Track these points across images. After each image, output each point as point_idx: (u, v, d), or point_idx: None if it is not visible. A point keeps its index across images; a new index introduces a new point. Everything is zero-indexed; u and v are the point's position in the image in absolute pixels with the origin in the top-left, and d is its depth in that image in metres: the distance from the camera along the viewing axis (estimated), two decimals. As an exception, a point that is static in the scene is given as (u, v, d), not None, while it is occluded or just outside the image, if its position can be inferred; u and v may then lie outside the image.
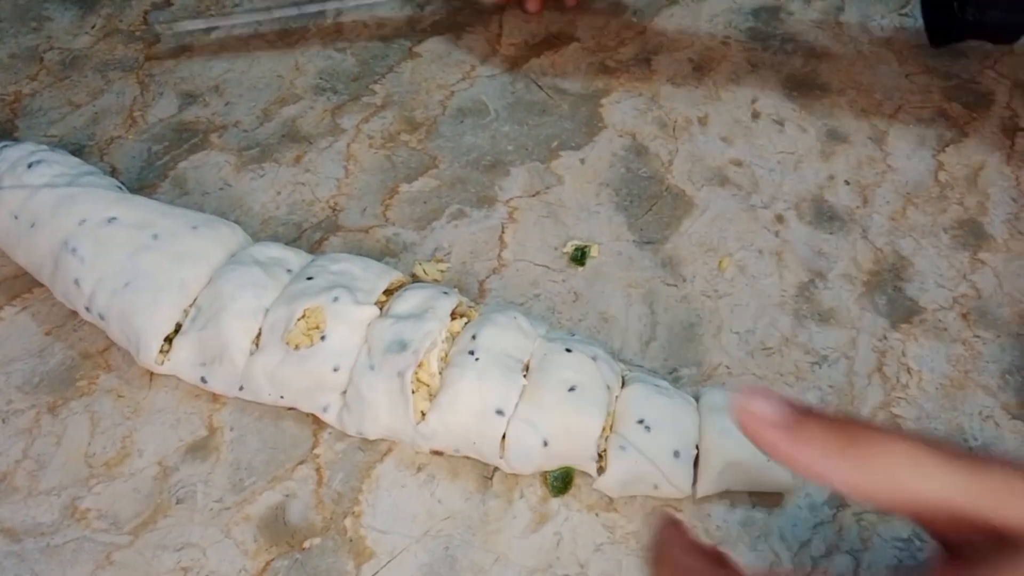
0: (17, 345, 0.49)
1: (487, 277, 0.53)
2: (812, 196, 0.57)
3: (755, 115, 0.62)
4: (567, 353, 0.44)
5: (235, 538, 0.42)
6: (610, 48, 0.67)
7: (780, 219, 0.56)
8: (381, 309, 0.45)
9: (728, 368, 0.49)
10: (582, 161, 0.59)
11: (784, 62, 0.66)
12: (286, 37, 0.67)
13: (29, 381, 0.47)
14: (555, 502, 0.43)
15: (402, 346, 0.43)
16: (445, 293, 0.46)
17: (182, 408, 0.46)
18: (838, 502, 0.43)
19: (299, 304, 0.44)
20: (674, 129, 0.61)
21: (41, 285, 0.50)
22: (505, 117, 0.62)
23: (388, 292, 0.47)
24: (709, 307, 0.51)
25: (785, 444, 0.22)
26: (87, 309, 0.47)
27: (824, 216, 0.56)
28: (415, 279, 0.51)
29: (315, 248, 0.54)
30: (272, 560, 0.41)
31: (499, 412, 0.42)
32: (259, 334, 0.45)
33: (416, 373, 0.43)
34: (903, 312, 0.51)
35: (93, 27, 0.68)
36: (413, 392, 0.43)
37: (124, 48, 0.66)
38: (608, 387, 0.43)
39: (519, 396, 0.42)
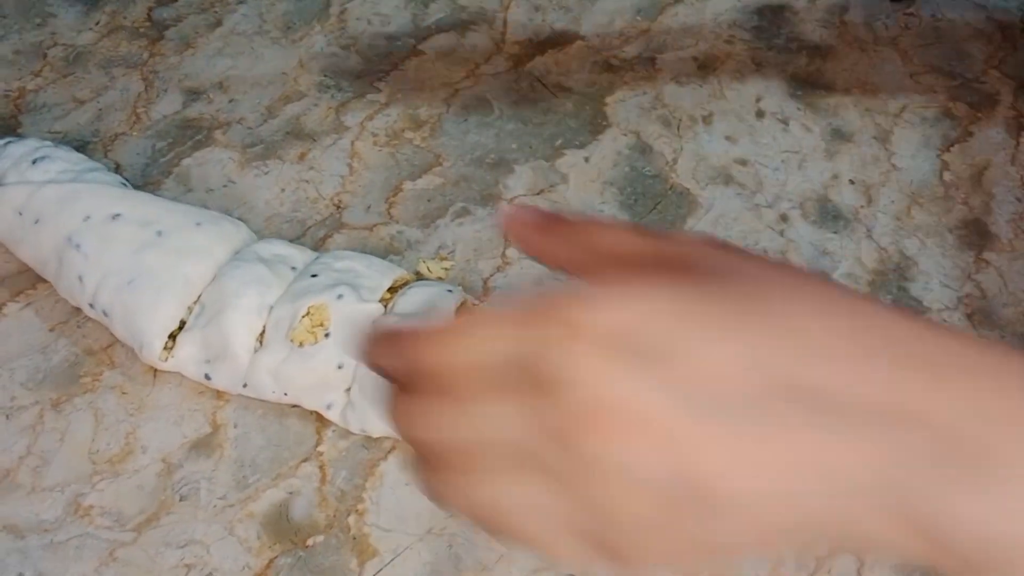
0: (21, 341, 0.49)
1: (491, 275, 0.53)
2: (816, 195, 0.57)
3: (759, 114, 0.62)
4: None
5: (238, 535, 0.42)
6: (614, 46, 0.67)
7: (784, 218, 0.56)
8: (385, 307, 0.45)
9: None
10: (586, 159, 0.59)
11: (789, 61, 0.66)
12: (290, 34, 0.67)
13: (33, 377, 0.47)
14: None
15: (406, 344, 0.43)
16: (449, 291, 0.46)
17: (186, 405, 0.46)
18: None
19: (303, 301, 0.44)
20: (678, 128, 0.61)
21: (45, 281, 0.50)
22: (509, 115, 0.62)
23: (392, 290, 0.47)
24: (713, 306, 0.51)
25: (536, 238, 0.24)
26: (91, 305, 0.47)
27: (828, 215, 0.56)
28: (419, 277, 0.51)
29: (319, 245, 0.54)
30: (275, 557, 0.41)
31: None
32: (263, 331, 0.45)
33: (420, 371, 0.43)
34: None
35: (97, 23, 0.68)
36: (417, 390, 0.43)
37: (128, 44, 0.66)
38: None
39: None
